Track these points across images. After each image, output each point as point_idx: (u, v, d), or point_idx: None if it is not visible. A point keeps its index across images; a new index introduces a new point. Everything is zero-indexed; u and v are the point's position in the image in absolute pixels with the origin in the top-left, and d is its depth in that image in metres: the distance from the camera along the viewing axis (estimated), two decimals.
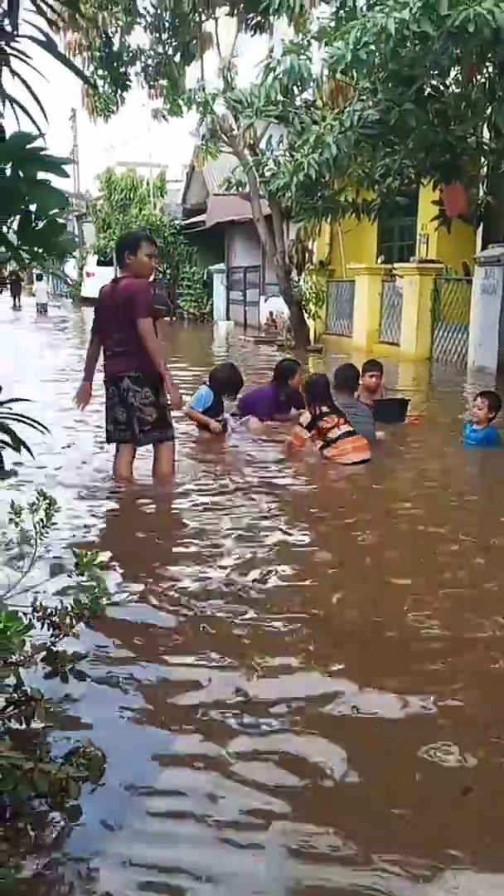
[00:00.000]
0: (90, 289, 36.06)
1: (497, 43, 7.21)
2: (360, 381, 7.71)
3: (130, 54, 17.58)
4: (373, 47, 7.23)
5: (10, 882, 1.99)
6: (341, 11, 8.62)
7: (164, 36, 17.13)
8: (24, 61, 2.34)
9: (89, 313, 24.40)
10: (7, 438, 2.39)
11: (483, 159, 9.72)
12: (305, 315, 18.36)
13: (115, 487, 5.52)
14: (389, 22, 6.89)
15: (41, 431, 2.51)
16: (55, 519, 2.53)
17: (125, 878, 2.01)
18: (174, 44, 17.25)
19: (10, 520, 2.49)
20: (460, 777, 2.42)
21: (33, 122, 2.19)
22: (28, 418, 2.40)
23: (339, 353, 16.03)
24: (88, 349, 5.69)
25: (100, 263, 35.36)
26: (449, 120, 8.16)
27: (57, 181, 2.07)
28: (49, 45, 2.37)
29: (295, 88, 9.51)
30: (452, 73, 8.52)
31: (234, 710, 2.75)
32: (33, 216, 1.98)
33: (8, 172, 1.82)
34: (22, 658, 2.22)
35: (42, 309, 29.76)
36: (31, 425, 2.41)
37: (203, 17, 16.42)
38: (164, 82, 17.54)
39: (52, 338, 19.79)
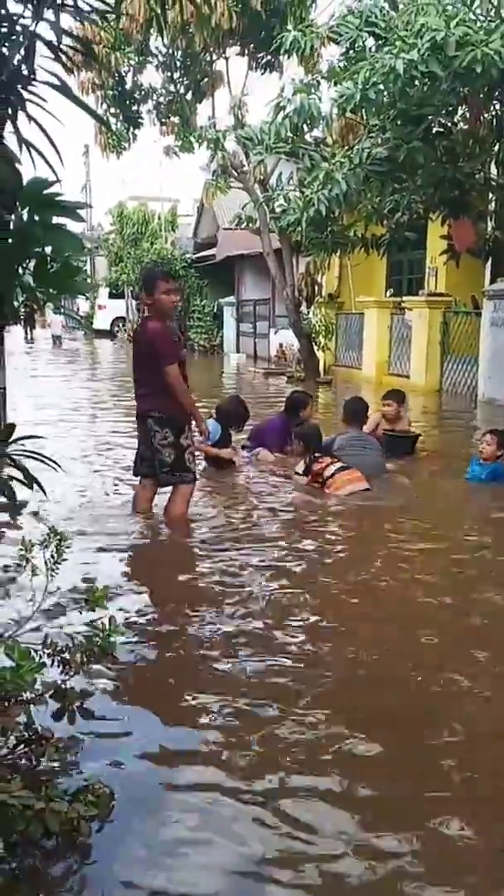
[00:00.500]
0: (102, 321, 36.44)
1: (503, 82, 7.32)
2: (372, 412, 7.76)
3: (142, 93, 17.94)
4: (381, 87, 7.32)
5: None
6: (350, 52, 8.75)
7: (176, 75, 17.48)
8: (41, 106, 2.40)
9: (101, 345, 24.48)
10: (20, 475, 2.41)
11: (491, 195, 9.79)
12: (315, 347, 18.46)
13: (130, 523, 5.53)
14: (398, 62, 6.98)
15: (54, 469, 2.53)
16: (66, 555, 2.54)
17: None
18: (185, 82, 17.59)
19: (22, 556, 2.51)
20: None
21: (49, 165, 2.24)
22: (41, 455, 2.42)
23: (349, 384, 16.08)
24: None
25: (111, 296, 35.76)
26: (457, 157, 8.22)
27: (70, 224, 2.11)
28: (65, 90, 2.44)
29: (305, 126, 9.60)
30: (460, 112, 8.62)
31: (244, 748, 2.74)
32: (48, 259, 2.02)
33: (25, 217, 1.86)
34: (33, 696, 2.22)
35: (57, 341, 30.06)
36: (45, 462, 2.43)
37: (214, 57, 16.74)
38: (175, 120, 17.85)
39: (68, 371, 19.96)
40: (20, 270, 2.02)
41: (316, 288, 18.96)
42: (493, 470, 6.72)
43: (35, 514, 5.28)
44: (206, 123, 17.45)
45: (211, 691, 3.13)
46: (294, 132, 9.59)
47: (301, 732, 2.83)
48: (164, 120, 18.04)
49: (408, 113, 7.63)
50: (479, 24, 7.26)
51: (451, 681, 3.24)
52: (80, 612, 2.45)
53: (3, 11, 2.33)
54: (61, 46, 2.53)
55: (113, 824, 2.25)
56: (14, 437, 2.36)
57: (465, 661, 3.43)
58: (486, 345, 12.86)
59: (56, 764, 2.38)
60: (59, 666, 2.43)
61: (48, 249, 2.01)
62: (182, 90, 17.66)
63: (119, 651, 2.47)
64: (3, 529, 5.04)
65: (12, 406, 5.91)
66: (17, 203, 1.92)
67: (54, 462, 2.50)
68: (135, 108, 18.08)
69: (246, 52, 16.64)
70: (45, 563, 2.50)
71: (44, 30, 2.44)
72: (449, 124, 8.47)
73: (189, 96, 17.65)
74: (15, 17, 2.36)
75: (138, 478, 5.74)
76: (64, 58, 2.56)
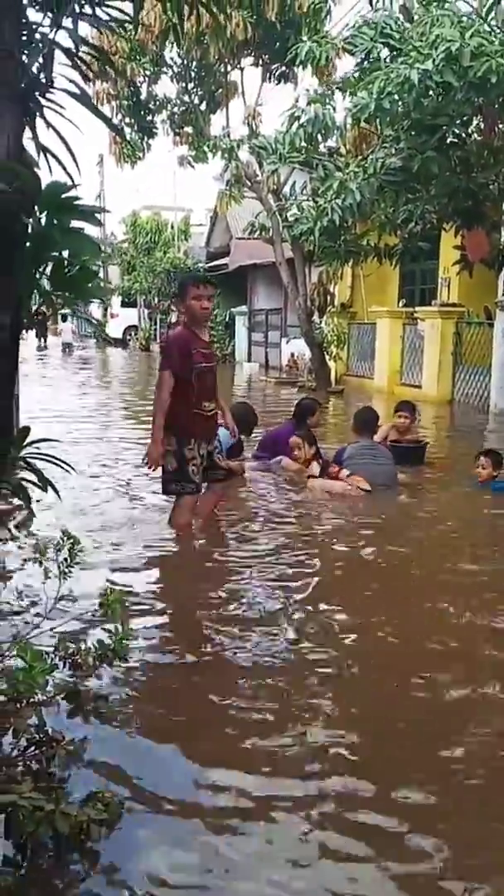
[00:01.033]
0: (114, 329, 36.59)
1: None
2: (383, 422, 7.76)
3: (157, 103, 18.06)
4: (396, 97, 7.35)
5: None
6: (365, 62, 8.79)
7: (191, 85, 17.60)
8: (59, 113, 2.42)
9: (112, 353, 24.52)
10: (34, 478, 2.42)
11: None
12: (327, 357, 18.46)
13: (135, 528, 5.55)
14: (413, 73, 7.01)
15: (67, 471, 2.54)
16: (78, 559, 2.55)
17: None
18: (200, 93, 17.69)
19: (36, 559, 2.52)
20: None
21: (66, 172, 2.26)
22: (54, 458, 2.44)
23: (361, 394, 16.08)
24: None
25: (124, 304, 35.90)
26: (471, 167, 8.23)
27: (88, 228, 2.13)
28: (84, 99, 2.46)
29: (319, 136, 9.65)
30: (475, 122, 8.64)
31: (257, 756, 2.73)
32: (65, 262, 2.04)
33: (43, 221, 1.88)
34: (44, 698, 2.23)
35: (67, 348, 30.16)
36: (59, 465, 2.44)
37: (229, 68, 16.84)
38: (189, 130, 17.94)
39: (81, 378, 20.06)
40: (36, 274, 2.04)
41: (328, 297, 18.98)
42: (499, 488, 6.68)
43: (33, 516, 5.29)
44: (220, 133, 17.54)
45: (221, 699, 3.13)
46: (308, 142, 9.64)
47: (314, 739, 2.83)
48: (178, 130, 18.15)
49: (422, 123, 7.65)
50: (494, 35, 7.29)
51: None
52: (94, 616, 2.43)
53: (23, 19, 2.36)
54: (79, 54, 2.57)
55: (121, 830, 2.25)
56: (28, 440, 2.37)
57: None
58: (499, 355, 12.83)
59: (66, 768, 2.38)
60: (70, 669, 2.44)
61: (65, 253, 2.03)
62: (196, 100, 17.77)
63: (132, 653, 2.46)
64: (17, 534, 5.06)
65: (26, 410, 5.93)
66: (36, 207, 1.93)
67: (68, 465, 2.51)
68: (149, 118, 18.20)
69: (260, 62, 16.72)
70: (59, 566, 2.51)
71: (62, 38, 2.47)
72: (463, 135, 8.48)
73: (203, 107, 17.76)
74: (34, 26, 2.39)
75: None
76: (82, 66, 2.59)
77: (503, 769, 2.70)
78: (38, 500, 3.76)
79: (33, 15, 2.41)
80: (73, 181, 2.00)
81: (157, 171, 42.62)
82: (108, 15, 2.64)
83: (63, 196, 1.91)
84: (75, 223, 1.94)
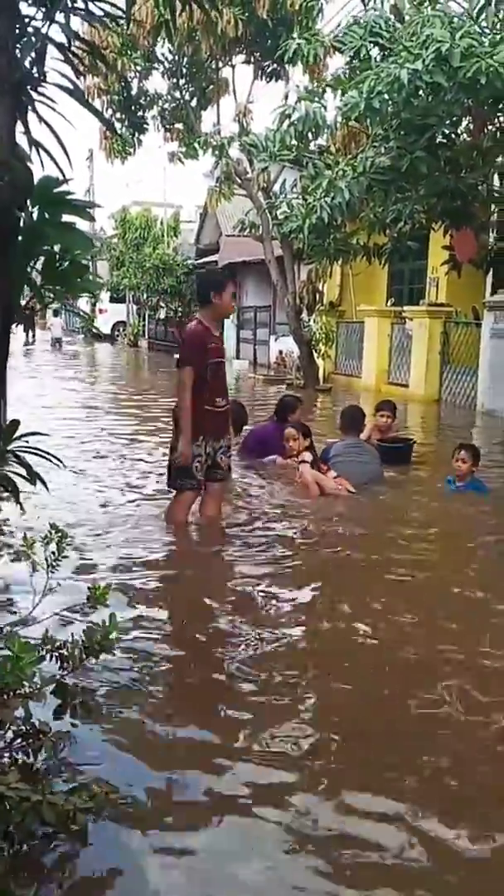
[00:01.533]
0: (103, 325, 36.47)
1: None
2: (369, 421, 7.78)
3: (148, 99, 18.03)
4: (386, 96, 7.38)
5: None
6: (355, 61, 8.82)
7: (182, 81, 17.57)
8: (51, 107, 2.43)
9: (101, 349, 24.40)
10: (23, 471, 2.43)
11: (493, 206, 9.85)
12: (315, 355, 18.49)
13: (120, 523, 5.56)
14: (403, 72, 7.05)
15: (56, 465, 2.55)
16: (66, 552, 2.56)
17: None
18: (191, 89, 17.68)
19: (24, 552, 2.53)
20: None
21: (57, 166, 2.27)
22: (43, 451, 2.45)
23: (349, 392, 16.12)
24: None
25: (112, 300, 35.79)
26: (460, 167, 8.28)
27: (79, 223, 2.14)
28: (76, 93, 2.47)
29: (309, 134, 9.68)
30: (464, 123, 8.69)
31: (241, 753, 2.75)
32: (57, 257, 2.05)
33: (35, 215, 1.89)
34: (31, 690, 2.24)
35: (56, 343, 30.07)
36: (48, 460, 2.45)
37: (220, 64, 16.83)
38: (180, 126, 17.92)
39: (71, 373, 20.04)
40: (28, 268, 2.05)
41: (317, 296, 19.00)
42: (473, 487, 6.67)
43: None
44: (210, 130, 17.54)
45: (208, 692, 3.15)
46: (299, 140, 9.67)
47: (304, 731, 2.85)
48: (168, 126, 18.13)
49: (412, 123, 7.69)
50: (484, 36, 7.33)
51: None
52: (81, 609, 2.44)
53: (15, 13, 2.36)
54: (71, 49, 2.57)
55: (107, 821, 2.27)
56: (17, 433, 2.38)
57: None
58: (486, 356, 12.90)
59: (52, 759, 2.39)
60: (57, 662, 2.45)
61: (57, 248, 2.04)
62: (187, 97, 17.76)
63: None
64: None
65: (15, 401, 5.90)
66: (28, 201, 1.94)
67: (57, 459, 2.52)
68: (140, 113, 18.17)
69: (252, 60, 16.73)
70: (46, 559, 2.52)
71: (55, 32, 2.48)
72: (452, 135, 8.53)
73: (194, 103, 17.75)
74: (27, 20, 2.39)
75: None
76: (74, 60, 2.60)
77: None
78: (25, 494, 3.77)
79: (26, 9, 2.42)
80: (64, 176, 2.00)
81: (147, 167, 42.49)
82: (101, 10, 2.65)
83: (55, 190, 1.92)
84: (67, 218, 1.95)
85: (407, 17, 8.87)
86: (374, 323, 16.85)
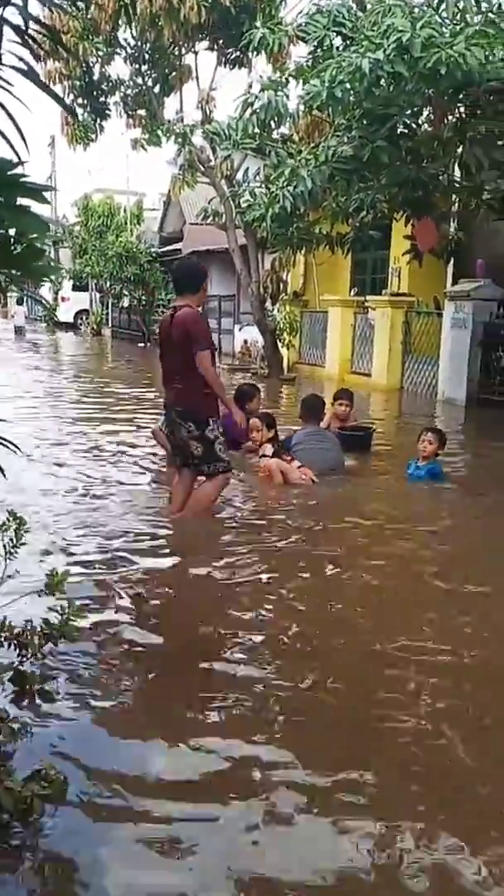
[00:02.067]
0: (65, 313, 36.13)
1: (468, 85, 7.43)
2: (328, 410, 7.84)
3: (110, 84, 17.82)
4: (348, 86, 7.40)
5: None
6: (318, 50, 8.82)
7: (144, 67, 17.40)
8: (7, 90, 2.40)
9: (64, 337, 24.21)
10: None
11: (454, 196, 9.95)
12: (279, 344, 18.51)
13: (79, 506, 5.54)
14: (364, 62, 7.07)
15: (14, 451, 2.53)
16: (24, 539, 2.55)
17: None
18: (154, 75, 17.51)
19: None
20: None
21: (13, 150, 2.24)
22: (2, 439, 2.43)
23: (312, 382, 16.17)
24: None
25: (75, 288, 35.43)
26: (421, 158, 8.34)
27: (36, 207, 2.12)
28: (32, 75, 2.44)
29: (272, 123, 9.66)
30: (425, 113, 8.75)
31: (203, 731, 2.78)
32: (12, 241, 2.03)
33: None
34: None
35: (19, 331, 29.78)
36: (5, 446, 2.43)
37: (183, 51, 16.70)
38: (142, 112, 17.76)
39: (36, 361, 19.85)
40: None
41: (281, 285, 19.00)
42: (430, 469, 6.78)
43: None
44: (173, 117, 17.41)
45: (167, 678, 3.16)
46: (261, 128, 9.65)
47: (264, 715, 2.88)
48: (131, 112, 17.95)
49: (373, 112, 7.73)
50: (444, 26, 7.37)
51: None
52: (39, 596, 2.44)
53: None
54: (29, 31, 2.54)
55: (66, 806, 2.27)
56: None
57: None
58: (447, 345, 13.03)
59: (11, 745, 2.39)
60: (15, 649, 2.45)
61: (11, 231, 2.01)
62: (150, 83, 17.59)
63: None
64: None
65: None
66: None
67: (14, 445, 2.50)
68: (102, 99, 17.96)
69: (215, 47, 16.62)
70: (4, 547, 2.51)
71: (11, 14, 2.44)
72: (414, 125, 8.59)
73: (157, 89, 17.59)
74: None
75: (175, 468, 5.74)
76: (32, 43, 2.56)
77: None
78: None
79: None
80: (20, 158, 1.98)
81: (109, 154, 42.11)
82: None
83: (9, 172, 1.90)
84: (22, 201, 1.93)
85: (369, 6, 8.89)
86: (337, 313, 16.91)
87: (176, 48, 16.47)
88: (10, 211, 1.90)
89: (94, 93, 17.74)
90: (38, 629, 2.45)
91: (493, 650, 3.54)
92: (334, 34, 8.61)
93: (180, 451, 5.42)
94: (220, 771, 2.56)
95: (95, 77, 17.58)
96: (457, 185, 9.33)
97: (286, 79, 9.64)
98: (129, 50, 17.15)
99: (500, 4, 7.87)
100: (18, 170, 1.98)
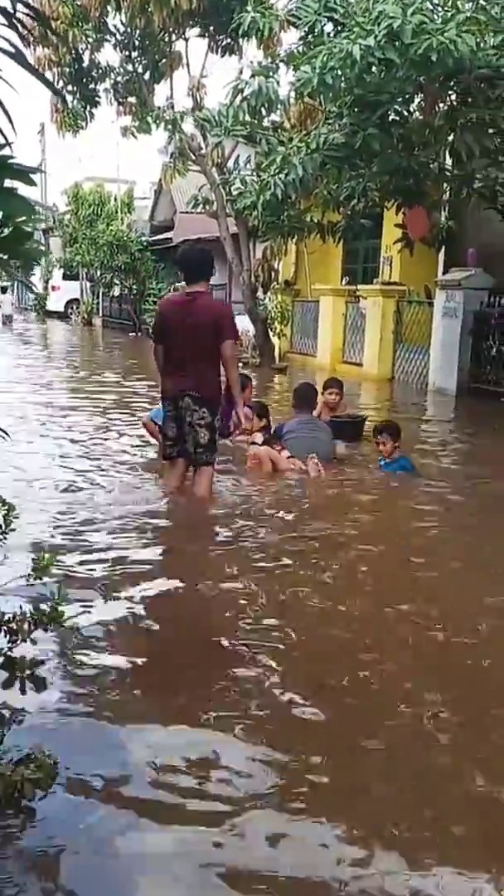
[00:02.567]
0: (56, 302, 35.97)
1: (459, 72, 7.42)
2: (320, 399, 7.83)
3: (100, 71, 17.68)
4: (339, 72, 7.38)
5: None
6: (309, 36, 8.79)
7: (134, 54, 17.27)
8: None
9: (53, 326, 24.15)
10: None
11: (445, 185, 9.94)
12: (271, 333, 18.49)
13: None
14: (355, 48, 7.04)
15: (2, 437, 2.52)
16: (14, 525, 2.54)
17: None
18: (144, 62, 17.38)
19: None
20: None
21: (0, 132, 2.22)
22: None
23: (304, 371, 16.16)
24: (157, 360, 5.52)
25: (66, 277, 35.26)
26: (412, 145, 8.33)
27: (24, 190, 2.10)
28: (19, 58, 2.42)
29: (263, 110, 9.63)
30: (416, 101, 8.73)
31: (191, 716, 2.78)
32: None
33: None
34: None
35: (7, 320, 29.63)
36: None
37: (173, 37, 16.58)
38: (133, 100, 17.64)
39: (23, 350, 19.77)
40: None
41: (272, 274, 18.96)
42: (401, 465, 6.74)
43: None
44: (164, 104, 17.29)
45: (157, 662, 3.16)
46: (252, 115, 9.62)
47: (252, 698, 2.89)
48: (121, 100, 17.82)
49: (364, 99, 7.71)
50: (435, 13, 7.35)
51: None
52: (27, 581, 2.43)
53: None
54: (16, 14, 2.51)
55: (57, 791, 2.27)
56: None
57: None
58: (438, 335, 13.03)
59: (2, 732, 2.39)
60: (6, 635, 2.44)
61: None
62: (140, 70, 17.46)
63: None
64: None
65: None
66: None
67: (3, 431, 2.49)
68: (92, 86, 17.82)
69: (206, 33, 16.51)
70: None
71: None
72: (405, 112, 8.57)
73: (147, 76, 17.46)
74: None
75: (167, 461, 5.65)
76: (19, 26, 2.54)
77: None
78: None
79: None
80: (6, 139, 1.96)
81: (100, 142, 41.83)
82: None
83: None
84: (8, 183, 1.91)
85: None
86: (328, 302, 16.89)
87: (166, 35, 16.35)
88: None
89: (84, 80, 17.61)
90: (28, 615, 2.44)
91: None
92: (325, 20, 8.58)
93: (180, 441, 5.37)
94: (211, 757, 2.57)
95: (85, 64, 17.45)
96: (448, 174, 9.33)
97: (277, 65, 9.60)
98: (118, 36, 17.01)
99: None
100: (5, 151, 1.97)
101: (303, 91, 7.91)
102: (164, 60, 16.93)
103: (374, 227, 12.55)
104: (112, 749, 2.59)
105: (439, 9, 7.60)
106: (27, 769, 2.15)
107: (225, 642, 3.36)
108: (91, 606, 3.64)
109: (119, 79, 17.71)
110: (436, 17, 7.22)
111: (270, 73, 9.44)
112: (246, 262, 17.63)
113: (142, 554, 4.52)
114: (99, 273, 30.37)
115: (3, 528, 2.51)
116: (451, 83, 7.86)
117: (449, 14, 7.24)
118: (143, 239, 28.89)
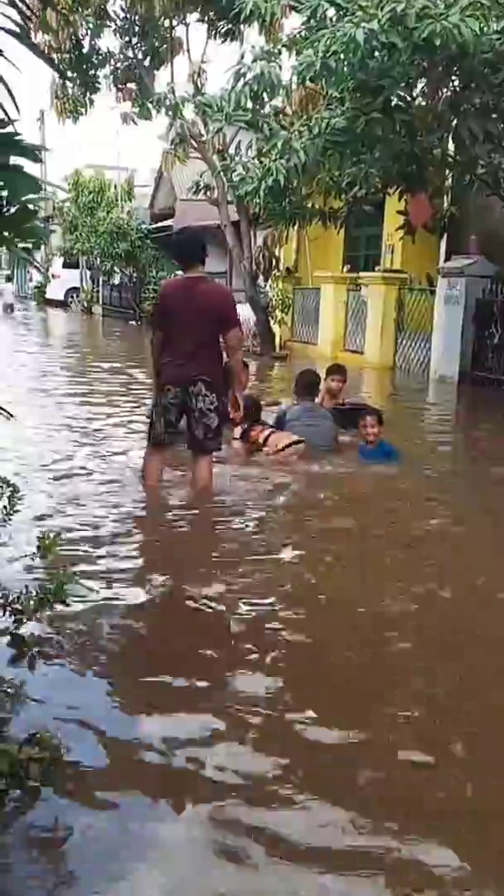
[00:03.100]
0: (56, 290, 35.85)
1: (462, 57, 7.37)
2: (322, 385, 7.81)
3: (100, 57, 17.60)
4: (342, 56, 7.33)
5: None
6: (311, 21, 8.72)
7: (135, 40, 17.18)
8: None
9: (53, 314, 24.10)
10: None
11: (448, 171, 9.89)
12: (271, 321, 18.44)
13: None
14: (358, 32, 7.00)
15: (6, 417, 2.52)
16: (19, 507, 2.54)
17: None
18: (144, 48, 17.29)
19: None
20: None
21: (3, 110, 2.21)
22: None
23: (305, 359, 16.11)
24: (154, 347, 5.42)
25: (65, 265, 35.13)
26: (415, 131, 8.29)
27: (29, 168, 2.09)
28: (22, 36, 2.40)
29: (264, 95, 9.58)
30: (419, 86, 8.68)
31: (201, 695, 2.79)
32: (4, 202, 2.00)
33: None
34: None
35: (9, 308, 29.57)
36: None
37: (173, 23, 16.48)
38: (133, 86, 17.55)
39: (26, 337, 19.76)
40: None
41: (273, 261, 18.89)
42: (385, 454, 6.72)
43: None
44: (164, 90, 17.19)
45: (162, 640, 3.17)
46: (254, 100, 9.57)
47: (256, 680, 2.90)
48: (121, 86, 17.74)
49: (367, 84, 7.67)
50: None
51: None
52: (32, 560, 2.43)
53: None
54: None
55: (63, 769, 2.28)
56: None
57: None
58: (440, 322, 13.01)
59: (6, 710, 2.40)
60: (11, 615, 2.44)
61: (4, 192, 1.99)
62: (140, 56, 17.38)
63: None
64: None
65: None
66: None
67: (6, 411, 2.49)
68: (92, 72, 17.74)
69: (206, 18, 16.40)
70: None
71: None
72: (408, 98, 8.52)
73: (147, 62, 17.38)
74: None
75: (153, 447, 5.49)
76: (21, 6, 2.52)
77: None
78: None
79: None
80: (9, 117, 1.95)
81: (99, 129, 41.61)
82: None
83: (0, 131, 1.87)
84: (14, 160, 1.90)
85: None
86: (329, 289, 16.83)
87: (166, 20, 16.25)
88: (2, 171, 1.87)
89: (84, 66, 17.52)
90: (34, 593, 2.45)
91: None
92: (328, 4, 8.51)
93: (172, 426, 5.33)
94: (214, 743, 2.58)
95: (85, 50, 17.36)
96: (451, 160, 9.28)
97: (279, 49, 9.54)
98: (118, 22, 16.93)
99: None
100: (9, 129, 1.96)
101: (305, 75, 7.86)
102: (164, 46, 16.85)
103: (376, 215, 12.49)
104: (114, 733, 2.60)
105: None
106: (32, 748, 2.16)
107: (226, 628, 3.37)
108: (90, 592, 3.64)
109: (119, 65, 17.63)
110: (439, 1, 7.17)
111: (272, 58, 9.38)
112: (247, 249, 17.57)
113: (140, 541, 4.53)
114: (99, 261, 30.26)
115: (9, 509, 2.52)
116: (455, 68, 7.81)
117: None
118: (144, 227, 28.78)
